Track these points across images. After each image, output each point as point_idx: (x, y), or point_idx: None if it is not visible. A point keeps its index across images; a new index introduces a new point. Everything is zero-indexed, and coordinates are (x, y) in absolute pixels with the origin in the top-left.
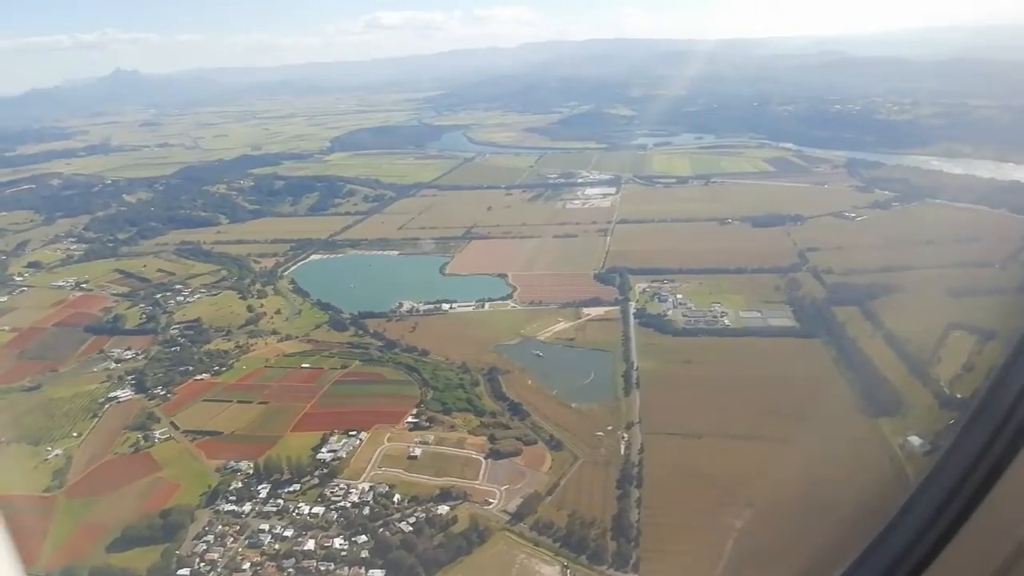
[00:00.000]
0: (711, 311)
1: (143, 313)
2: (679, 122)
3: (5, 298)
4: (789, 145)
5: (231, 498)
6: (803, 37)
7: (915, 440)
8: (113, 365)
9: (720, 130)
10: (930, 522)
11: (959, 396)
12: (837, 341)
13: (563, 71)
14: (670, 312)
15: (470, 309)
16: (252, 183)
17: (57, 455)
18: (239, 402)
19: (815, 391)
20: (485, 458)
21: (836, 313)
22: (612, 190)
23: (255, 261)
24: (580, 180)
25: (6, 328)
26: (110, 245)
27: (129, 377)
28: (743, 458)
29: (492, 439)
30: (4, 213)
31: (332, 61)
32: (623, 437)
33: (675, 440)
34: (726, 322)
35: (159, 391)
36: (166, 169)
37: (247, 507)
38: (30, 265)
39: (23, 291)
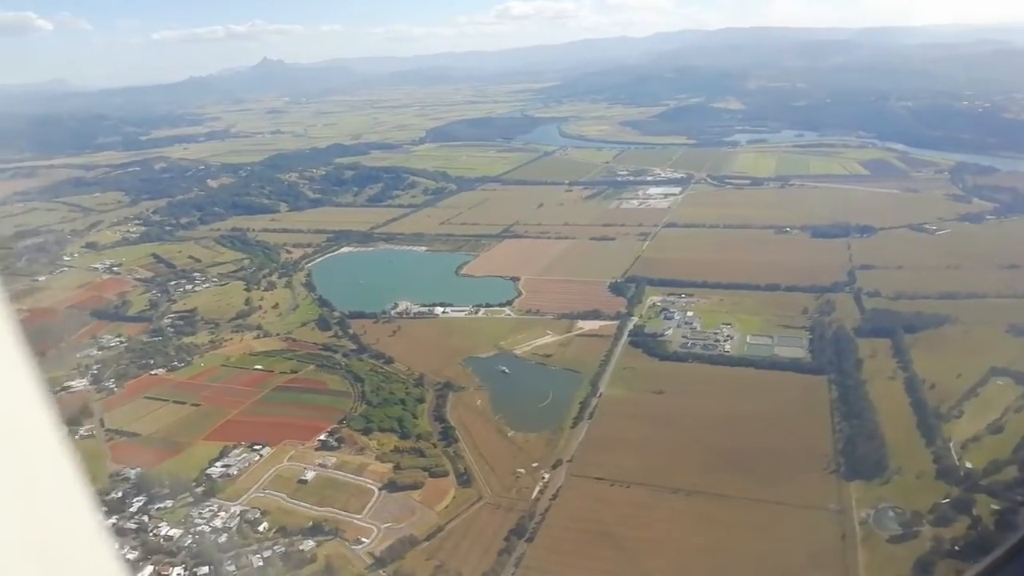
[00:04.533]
0: (716, 333)
1: (149, 300)
2: (786, 117)
3: (44, 278)
4: (897, 146)
5: (102, 509)
6: (963, 25)
7: (891, 515)
8: (95, 352)
9: (827, 127)
10: None
11: (968, 465)
12: (846, 380)
13: (685, 61)
14: (669, 332)
15: (463, 314)
16: (324, 172)
17: None
18: (175, 402)
19: (790, 440)
20: (380, 489)
21: (860, 346)
22: (677, 190)
23: (287, 251)
24: (649, 178)
25: (23, 308)
26: (167, 229)
27: (96, 366)
28: (666, 517)
29: (398, 467)
30: (98, 193)
31: (464, 51)
32: (543, 477)
33: (599, 487)
34: (727, 348)
35: (110, 384)
36: (261, 156)
37: (111, 521)
38: (87, 246)
39: (63, 271)
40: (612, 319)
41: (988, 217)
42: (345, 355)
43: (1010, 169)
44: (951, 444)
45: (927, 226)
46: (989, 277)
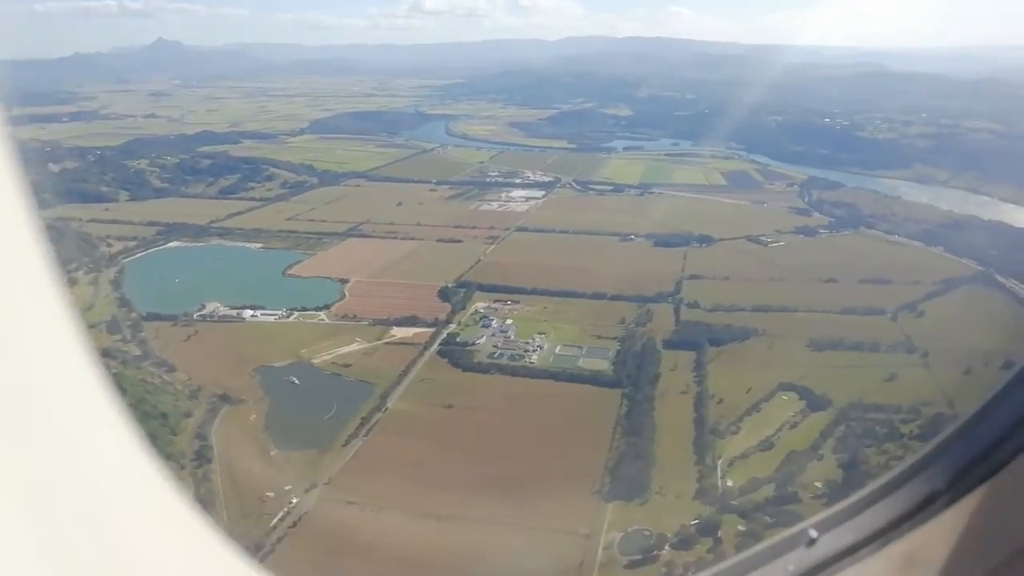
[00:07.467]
0: (528, 343)
1: None
2: (667, 125)
3: None
4: (760, 158)
5: None
6: (849, 47)
7: (638, 539)
8: None
9: (703, 137)
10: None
11: (728, 484)
12: (638, 395)
13: (588, 67)
14: (482, 340)
15: (273, 319)
16: (178, 160)
17: None
18: None
19: (564, 459)
20: None
21: (664, 358)
22: (540, 194)
23: (108, 244)
24: (518, 181)
25: None
26: None
27: None
28: (407, 545)
29: None
30: None
31: (376, 44)
32: (292, 501)
33: (348, 512)
34: (533, 359)
35: None
36: (120, 140)
37: None
38: None
39: None
40: (429, 326)
41: (821, 231)
42: (123, 362)
43: (854, 185)
44: (719, 462)
45: (763, 238)
46: (804, 291)
